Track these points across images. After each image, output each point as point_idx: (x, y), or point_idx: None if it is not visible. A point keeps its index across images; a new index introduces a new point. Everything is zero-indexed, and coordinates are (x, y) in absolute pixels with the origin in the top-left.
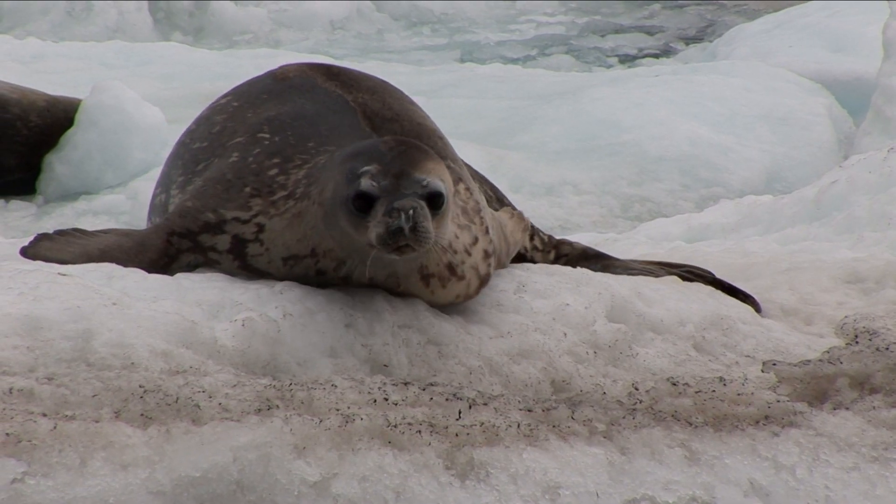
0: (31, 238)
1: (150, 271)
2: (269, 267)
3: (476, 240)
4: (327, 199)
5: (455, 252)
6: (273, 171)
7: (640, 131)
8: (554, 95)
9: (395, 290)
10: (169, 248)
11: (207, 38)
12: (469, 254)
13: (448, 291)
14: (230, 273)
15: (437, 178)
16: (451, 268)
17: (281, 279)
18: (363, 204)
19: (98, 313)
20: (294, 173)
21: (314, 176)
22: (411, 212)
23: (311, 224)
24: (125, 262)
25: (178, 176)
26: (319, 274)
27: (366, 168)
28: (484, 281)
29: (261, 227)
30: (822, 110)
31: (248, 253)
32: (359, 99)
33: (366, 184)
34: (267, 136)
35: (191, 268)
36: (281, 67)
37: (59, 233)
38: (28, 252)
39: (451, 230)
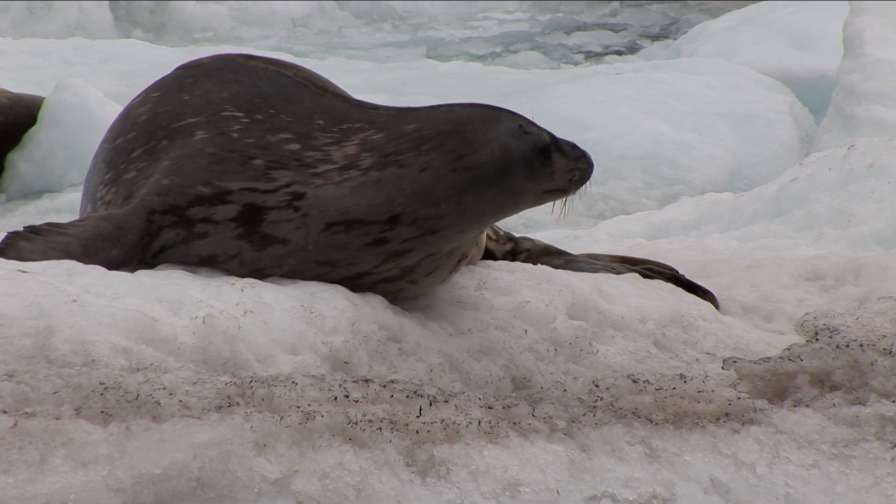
0: (2, 237)
1: (131, 252)
2: (294, 233)
3: None
4: (472, 165)
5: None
6: (293, 146)
7: (603, 129)
8: (516, 93)
9: (418, 279)
10: (150, 226)
11: (168, 35)
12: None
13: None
14: (217, 248)
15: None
16: (479, 245)
17: (293, 249)
18: (544, 155)
19: (58, 310)
20: (334, 149)
21: (384, 147)
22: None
23: (412, 190)
24: (108, 248)
25: (105, 175)
26: (375, 244)
27: (520, 124)
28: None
29: (298, 195)
30: (783, 108)
31: (266, 219)
32: (299, 74)
33: (545, 137)
34: (240, 114)
35: (168, 247)
36: (190, 60)
37: (31, 230)
38: (7, 254)
39: None
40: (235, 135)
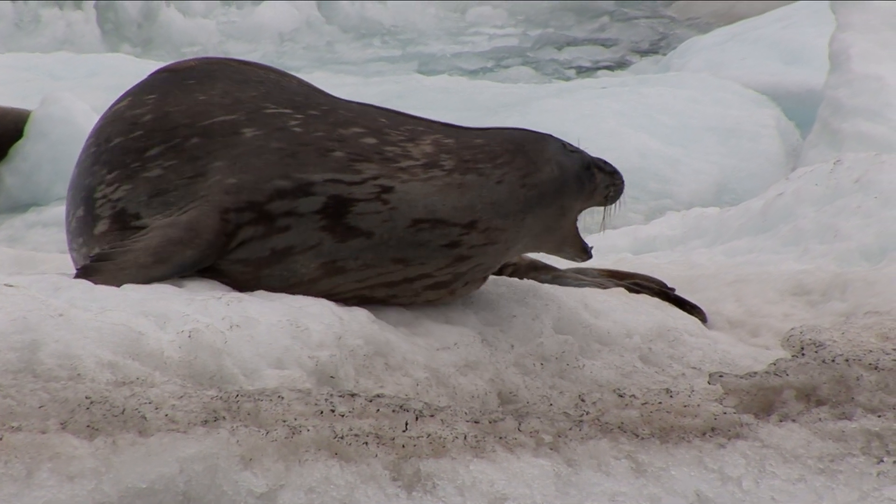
0: (77, 273)
1: (207, 252)
2: (381, 227)
3: None
4: (537, 182)
5: None
6: (370, 140)
7: (589, 143)
8: (502, 107)
9: (460, 290)
10: (226, 226)
11: (156, 49)
12: None
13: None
14: (297, 239)
15: None
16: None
17: (375, 242)
18: (589, 171)
19: (45, 324)
20: (412, 146)
21: (461, 153)
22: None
23: (490, 199)
24: (181, 251)
25: (105, 175)
26: (450, 245)
27: (563, 143)
28: None
29: (386, 189)
30: (769, 122)
31: (353, 211)
32: (302, 81)
33: (585, 153)
34: (289, 110)
35: (244, 243)
36: (170, 64)
37: (99, 257)
38: None
39: None
40: (298, 129)
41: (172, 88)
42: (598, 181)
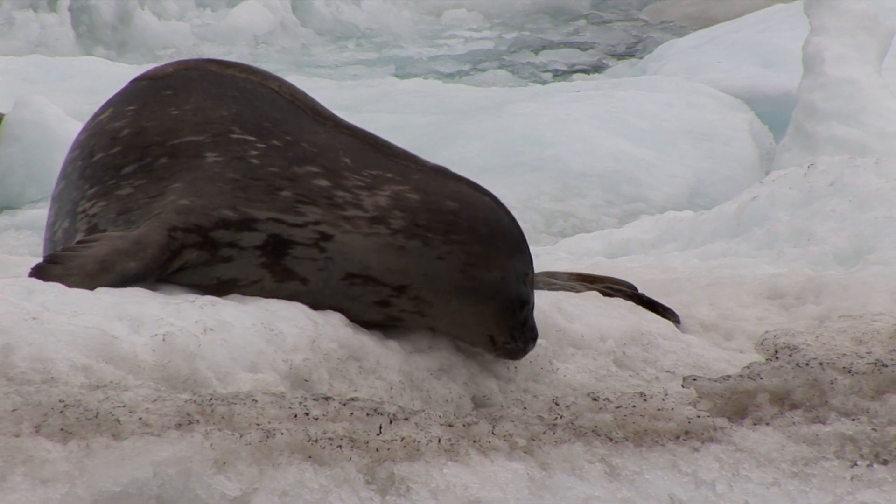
0: (30, 272)
1: (150, 266)
2: (316, 275)
3: None
4: (477, 276)
5: None
6: (322, 182)
7: (563, 147)
8: (476, 111)
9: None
10: (172, 243)
11: (131, 52)
12: None
13: None
14: (239, 272)
15: None
16: None
17: (311, 289)
18: (521, 309)
19: (18, 327)
20: (365, 195)
21: (417, 216)
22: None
23: (423, 271)
24: (125, 262)
25: (87, 190)
26: (381, 304)
27: (527, 272)
28: None
29: (326, 237)
30: (743, 126)
31: (290, 254)
32: (283, 88)
33: (524, 292)
34: (252, 138)
35: (187, 267)
36: (149, 70)
37: (50, 259)
38: None
39: None
40: (255, 161)
41: (150, 100)
42: (516, 323)
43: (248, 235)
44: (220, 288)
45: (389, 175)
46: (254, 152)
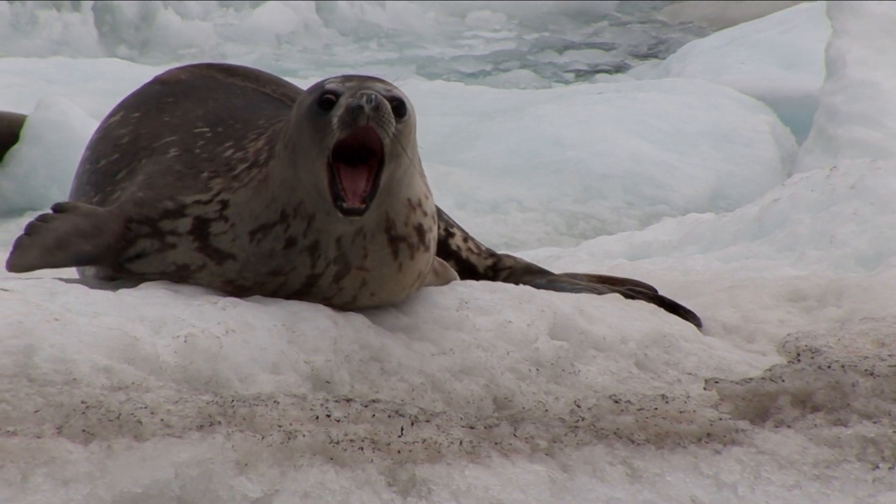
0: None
1: (103, 253)
2: (233, 246)
3: (438, 214)
4: (293, 127)
5: (425, 214)
6: (229, 152)
7: (584, 148)
8: (497, 112)
9: (361, 263)
10: (127, 233)
11: (153, 51)
12: (434, 222)
13: (415, 264)
14: (186, 258)
15: (402, 94)
16: (421, 233)
17: (243, 263)
18: (328, 104)
19: (40, 329)
20: (252, 145)
21: (275, 137)
22: (373, 95)
23: (280, 178)
24: (80, 244)
25: (92, 197)
26: (289, 245)
27: (331, 77)
28: (428, 269)
29: (224, 204)
30: (764, 128)
31: (210, 232)
32: (277, 91)
33: (331, 84)
34: (206, 129)
35: (143, 254)
36: (166, 73)
37: (28, 228)
38: (14, 257)
39: (420, 187)
40: (198, 150)
41: (152, 108)
42: (332, 113)
43: (182, 222)
44: (179, 274)
45: (284, 114)
46: (201, 143)
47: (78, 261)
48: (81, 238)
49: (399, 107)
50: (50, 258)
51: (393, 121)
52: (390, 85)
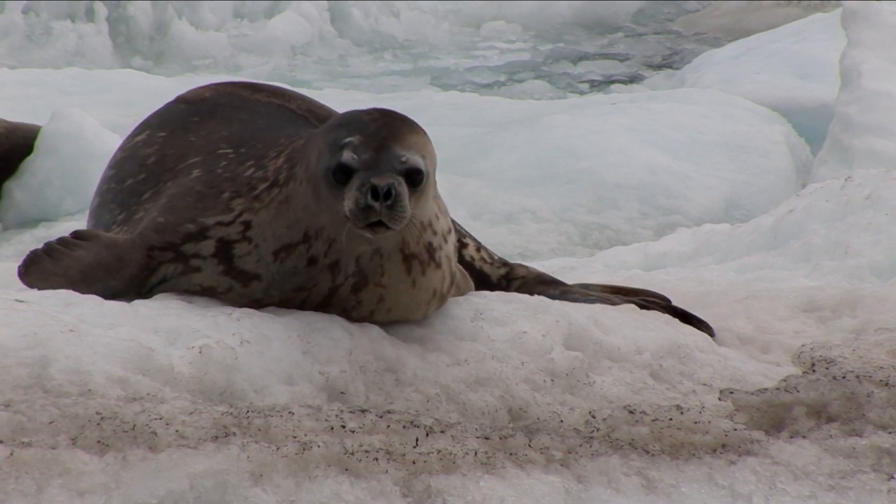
0: (24, 260)
1: (129, 285)
2: (259, 266)
3: (450, 230)
4: (313, 170)
5: (435, 233)
6: (250, 172)
7: (599, 159)
8: (511, 123)
9: (378, 280)
10: (150, 262)
11: (167, 62)
12: (445, 241)
13: (428, 281)
14: (212, 281)
15: (419, 154)
16: (431, 250)
17: (268, 282)
18: (343, 176)
19: (55, 340)
20: (272, 164)
21: (296, 157)
22: (386, 188)
23: (302, 204)
24: (106, 279)
25: (117, 215)
26: (311, 263)
27: (348, 139)
28: (449, 288)
29: (247, 225)
30: (779, 138)
31: (234, 254)
32: (302, 106)
33: (346, 156)
34: (230, 150)
35: (167, 279)
36: (190, 91)
37: (47, 249)
38: (28, 275)
39: (432, 209)
40: (219, 171)
41: (178, 127)
42: (346, 190)
43: (205, 245)
44: (205, 295)
45: (303, 132)
46: (223, 164)
47: (104, 295)
48: (105, 272)
49: (415, 176)
50: (75, 291)
51: (407, 205)
52: (405, 147)
